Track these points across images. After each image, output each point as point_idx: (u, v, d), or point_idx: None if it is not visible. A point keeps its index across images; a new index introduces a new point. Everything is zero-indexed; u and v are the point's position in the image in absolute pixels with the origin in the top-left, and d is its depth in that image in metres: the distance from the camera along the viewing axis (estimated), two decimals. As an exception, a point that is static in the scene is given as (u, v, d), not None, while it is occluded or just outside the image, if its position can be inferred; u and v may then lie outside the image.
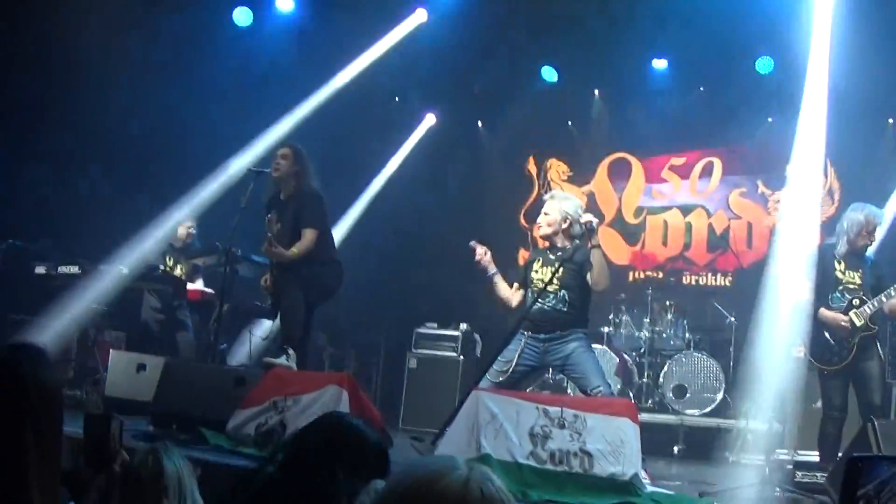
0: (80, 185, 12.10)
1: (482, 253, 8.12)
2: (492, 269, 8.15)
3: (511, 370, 7.83)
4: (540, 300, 7.85)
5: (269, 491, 3.14)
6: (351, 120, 14.02)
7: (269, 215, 8.90)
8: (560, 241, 8.07)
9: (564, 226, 8.08)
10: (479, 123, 15.39)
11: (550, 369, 11.59)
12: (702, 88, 13.98)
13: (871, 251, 8.50)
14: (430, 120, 15.41)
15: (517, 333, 7.90)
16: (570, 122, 15.00)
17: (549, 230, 8.06)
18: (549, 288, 7.86)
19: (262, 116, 12.57)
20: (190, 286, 11.13)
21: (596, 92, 14.75)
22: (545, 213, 8.14)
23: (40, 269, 10.67)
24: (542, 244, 8.37)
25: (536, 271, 8.09)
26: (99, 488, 4.31)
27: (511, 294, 8.27)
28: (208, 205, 11.60)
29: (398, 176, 15.05)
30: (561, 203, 8.23)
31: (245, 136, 12.18)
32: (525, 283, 8.17)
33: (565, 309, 7.89)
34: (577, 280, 7.89)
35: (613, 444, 6.33)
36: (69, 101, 11.67)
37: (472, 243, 8.20)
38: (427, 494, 1.70)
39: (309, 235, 8.86)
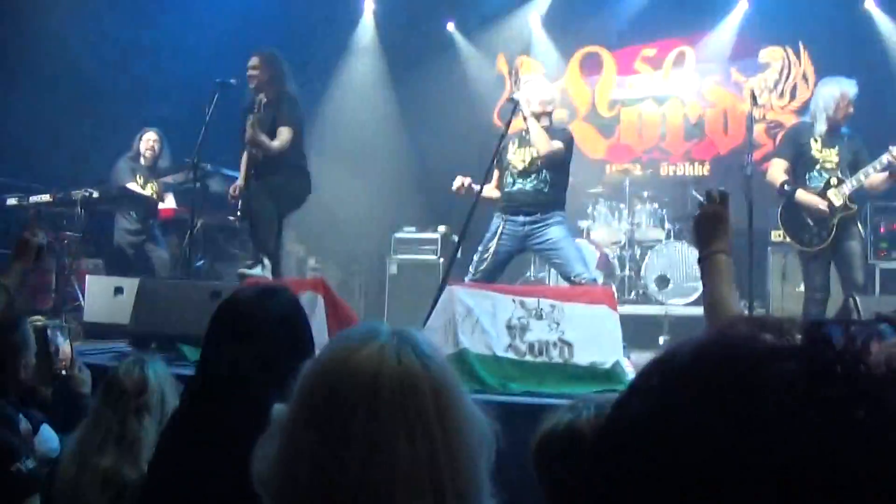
0: (43, 111, 11.93)
1: (459, 185, 8.09)
2: (475, 187, 8.07)
3: (491, 257, 7.84)
4: (520, 180, 7.85)
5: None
6: (316, 30, 13.91)
7: (249, 116, 8.87)
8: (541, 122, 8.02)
9: (550, 108, 8.07)
10: (449, 26, 15.15)
11: (532, 266, 11.62)
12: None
13: (846, 126, 8.42)
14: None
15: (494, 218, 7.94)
16: (537, 18, 14.78)
17: (539, 108, 7.98)
18: (531, 168, 7.85)
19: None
20: (161, 205, 11.00)
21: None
22: (535, 91, 8.07)
23: (12, 201, 10.54)
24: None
25: (514, 153, 8.07)
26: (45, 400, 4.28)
27: (492, 192, 8.26)
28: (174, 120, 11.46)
29: (364, 80, 14.87)
30: (549, 86, 8.34)
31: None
32: (501, 167, 8.12)
33: (546, 189, 7.89)
34: (556, 160, 7.88)
35: (593, 333, 6.30)
36: (24, 24, 11.51)
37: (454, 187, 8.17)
38: (343, 368, 1.65)
39: (286, 133, 8.89)
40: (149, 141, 11.03)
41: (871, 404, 0.80)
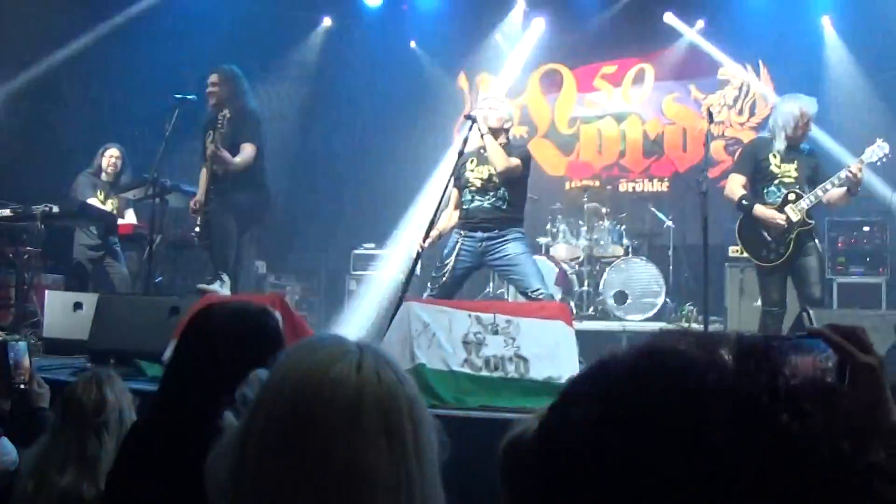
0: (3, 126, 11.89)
1: (424, 246, 8.09)
2: (434, 234, 8.10)
3: (449, 272, 7.86)
4: (478, 197, 7.89)
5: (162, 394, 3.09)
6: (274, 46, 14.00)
7: (209, 131, 8.91)
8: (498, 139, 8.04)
9: (507, 125, 8.09)
10: (412, 44, 15.20)
11: (491, 283, 11.64)
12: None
13: (805, 142, 8.43)
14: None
15: (451, 235, 7.98)
16: (498, 36, 14.85)
17: (497, 124, 8.01)
18: (489, 185, 7.89)
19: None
20: (121, 220, 10.95)
21: (523, 3, 14.60)
22: (492, 108, 8.09)
23: (-27, 216, 10.47)
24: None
25: (472, 170, 8.08)
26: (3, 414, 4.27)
27: (452, 216, 8.28)
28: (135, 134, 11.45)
29: (327, 94, 14.91)
30: (506, 104, 8.34)
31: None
32: (459, 184, 8.15)
33: (504, 206, 7.93)
34: (513, 177, 7.93)
35: (548, 348, 6.30)
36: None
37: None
38: (320, 387, 1.61)
39: (249, 150, 8.92)
40: (111, 158, 10.97)
41: (794, 417, 0.85)
